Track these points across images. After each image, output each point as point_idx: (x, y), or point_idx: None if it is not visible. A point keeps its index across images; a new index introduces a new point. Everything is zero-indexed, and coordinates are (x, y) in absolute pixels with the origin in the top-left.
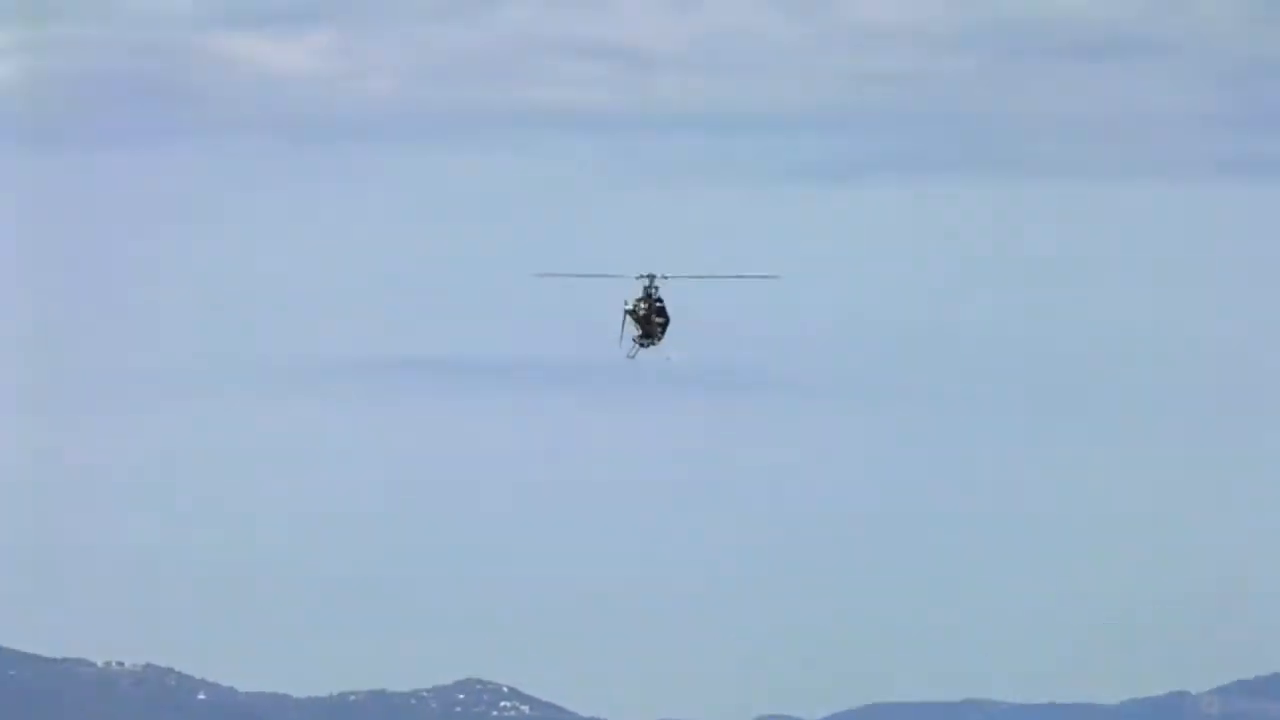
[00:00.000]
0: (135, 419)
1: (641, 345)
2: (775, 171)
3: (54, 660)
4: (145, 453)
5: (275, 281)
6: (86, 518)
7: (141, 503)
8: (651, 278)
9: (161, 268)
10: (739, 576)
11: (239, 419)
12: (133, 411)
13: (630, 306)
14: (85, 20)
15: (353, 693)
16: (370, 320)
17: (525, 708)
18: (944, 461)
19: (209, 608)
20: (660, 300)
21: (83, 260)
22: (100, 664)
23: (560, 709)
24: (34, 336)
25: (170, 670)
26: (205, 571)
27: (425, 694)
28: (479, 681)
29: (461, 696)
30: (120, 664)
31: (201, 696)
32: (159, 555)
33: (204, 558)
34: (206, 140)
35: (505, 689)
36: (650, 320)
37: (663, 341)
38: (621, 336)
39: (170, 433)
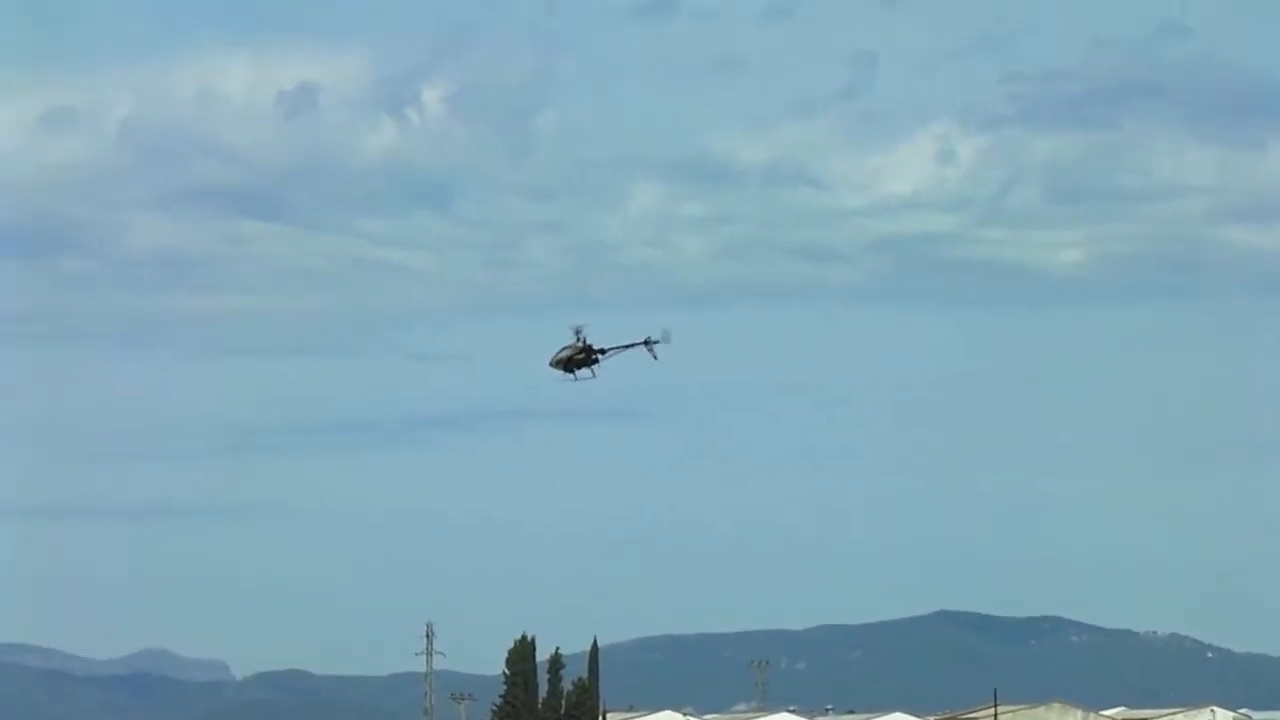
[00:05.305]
0: None
1: (581, 374)
2: None
3: None
4: None
5: None
6: None
7: None
8: (578, 330)
9: None
10: None
11: None
12: None
13: (565, 355)
14: None
15: None
16: None
17: None
18: None
19: None
20: (592, 345)
21: None
22: None
23: None
24: None
25: None
26: None
27: None
28: None
29: None
30: None
31: None
32: None
33: None
34: None
35: None
36: (589, 357)
37: (598, 366)
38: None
39: None
